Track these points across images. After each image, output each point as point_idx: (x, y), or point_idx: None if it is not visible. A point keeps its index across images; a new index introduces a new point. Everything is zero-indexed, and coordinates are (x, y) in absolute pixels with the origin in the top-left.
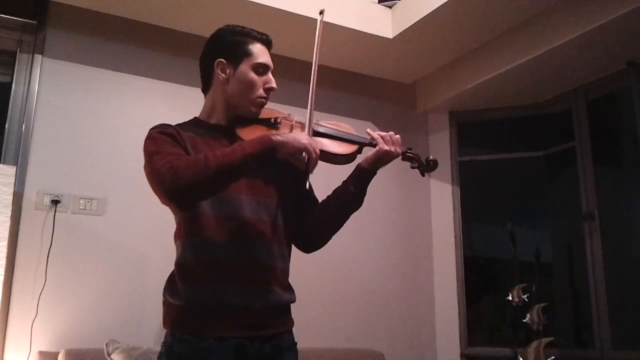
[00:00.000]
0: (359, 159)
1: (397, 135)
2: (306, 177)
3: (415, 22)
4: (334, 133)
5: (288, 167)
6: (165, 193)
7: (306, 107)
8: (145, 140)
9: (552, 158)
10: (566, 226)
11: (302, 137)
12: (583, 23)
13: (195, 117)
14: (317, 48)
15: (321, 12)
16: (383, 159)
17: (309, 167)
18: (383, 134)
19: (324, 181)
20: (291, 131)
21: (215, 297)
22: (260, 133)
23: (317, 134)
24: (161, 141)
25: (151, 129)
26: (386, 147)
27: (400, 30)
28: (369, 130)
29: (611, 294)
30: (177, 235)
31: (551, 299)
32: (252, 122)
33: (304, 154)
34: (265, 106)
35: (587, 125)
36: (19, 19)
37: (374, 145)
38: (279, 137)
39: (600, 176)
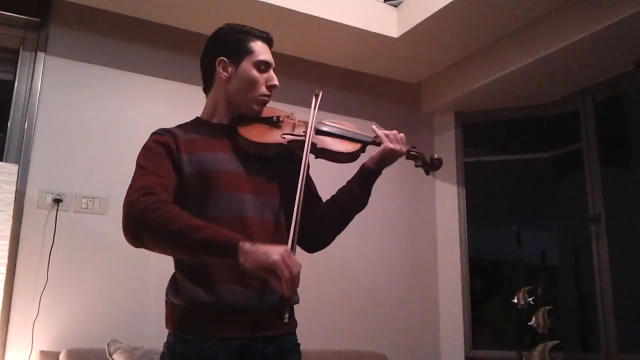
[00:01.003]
0: (364, 158)
1: (402, 134)
2: (284, 305)
3: (421, 22)
4: (337, 131)
5: (291, 165)
6: (125, 218)
7: (308, 109)
8: (142, 147)
9: (559, 159)
10: (572, 228)
11: (274, 252)
12: (590, 24)
13: (197, 117)
14: (310, 129)
15: (317, 95)
16: (388, 157)
17: (283, 291)
18: (387, 132)
19: (328, 180)
20: (293, 130)
21: (219, 297)
22: (262, 131)
23: (320, 132)
24: (152, 154)
25: (151, 135)
26: (391, 145)
27: (406, 30)
28: (374, 127)
29: (617, 297)
30: None
31: (557, 301)
32: (255, 120)
33: (276, 272)
34: (268, 105)
35: (594, 127)
36: (22, 16)
37: (378, 144)
38: (246, 245)
39: (607, 178)
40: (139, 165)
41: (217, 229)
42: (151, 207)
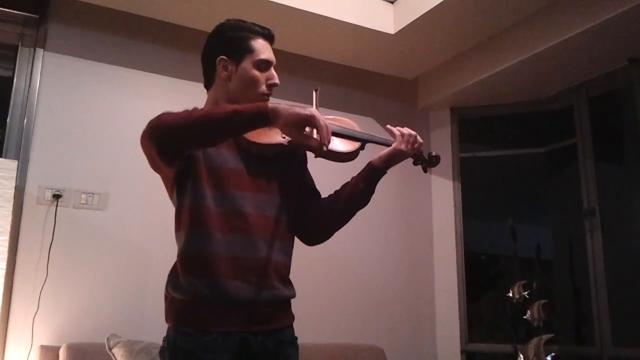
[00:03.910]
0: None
1: (415, 133)
2: (320, 151)
3: (417, 18)
4: (338, 130)
5: (291, 163)
6: (148, 134)
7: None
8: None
9: (554, 154)
10: (567, 223)
11: (307, 108)
12: (585, 19)
13: None
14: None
15: (316, 90)
16: (396, 158)
17: (321, 139)
18: (405, 131)
19: (326, 178)
20: None
21: (219, 291)
22: (262, 131)
23: None
24: None
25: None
26: (402, 147)
27: (402, 26)
28: (389, 126)
29: (611, 291)
30: (180, 228)
31: (552, 295)
32: None
33: (308, 128)
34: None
35: (589, 122)
36: (20, 12)
37: (378, 143)
38: (279, 105)
39: (601, 173)
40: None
41: (239, 105)
42: (169, 115)
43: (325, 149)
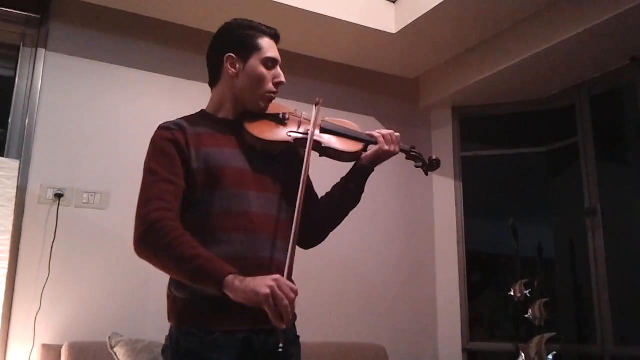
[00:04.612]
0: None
1: (397, 133)
2: (276, 335)
3: (419, 17)
4: (342, 131)
5: (295, 162)
6: (134, 238)
7: (305, 104)
8: (150, 143)
9: (555, 154)
10: (568, 222)
11: (264, 285)
12: (587, 18)
13: (202, 110)
14: (312, 129)
15: (317, 104)
16: (382, 157)
17: (274, 321)
18: (385, 132)
19: (326, 177)
20: (299, 127)
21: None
22: (269, 128)
23: (325, 131)
24: (162, 155)
25: (158, 128)
26: (386, 147)
27: (404, 25)
28: (368, 132)
29: (613, 290)
30: (184, 227)
31: (553, 294)
32: (261, 117)
33: (268, 303)
34: (273, 101)
35: (590, 121)
36: (22, 12)
37: (377, 144)
38: (236, 282)
39: (603, 172)
40: (149, 170)
41: (208, 261)
42: (165, 228)
43: (281, 328)
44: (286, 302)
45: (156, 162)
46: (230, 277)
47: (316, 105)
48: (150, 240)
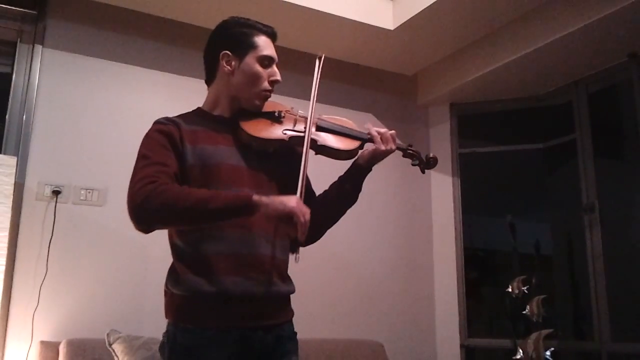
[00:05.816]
0: None
1: (393, 131)
2: (296, 247)
3: (417, 14)
4: (338, 129)
5: (291, 160)
6: (130, 210)
7: (302, 101)
8: (144, 136)
9: (553, 150)
10: (566, 218)
11: (290, 200)
12: (584, 15)
13: (198, 107)
14: (314, 91)
15: (320, 58)
16: (378, 156)
17: (297, 234)
18: (382, 131)
19: (324, 175)
20: (294, 125)
21: (219, 287)
22: (264, 126)
23: (321, 129)
24: (155, 143)
25: (154, 123)
26: (382, 147)
27: (401, 22)
28: (368, 125)
29: (611, 286)
30: None
31: (551, 290)
32: (256, 115)
33: (294, 218)
34: (269, 99)
35: (588, 118)
36: (19, 9)
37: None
38: (263, 198)
39: (600, 168)
40: (141, 155)
41: (225, 195)
42: (153, 194)
43: (301, 242)
44: (307, 217)
45: (148, 149)
46: (255, 195)
47: (319, 59)
48: (156, 202)
